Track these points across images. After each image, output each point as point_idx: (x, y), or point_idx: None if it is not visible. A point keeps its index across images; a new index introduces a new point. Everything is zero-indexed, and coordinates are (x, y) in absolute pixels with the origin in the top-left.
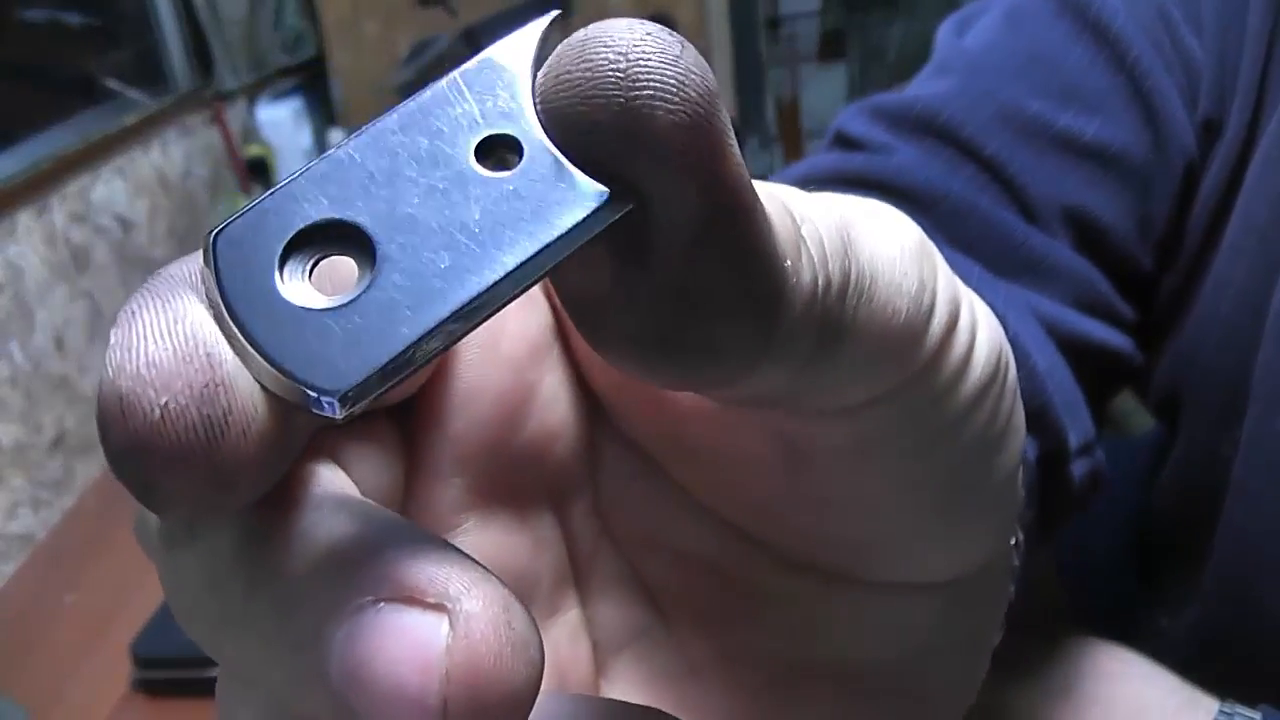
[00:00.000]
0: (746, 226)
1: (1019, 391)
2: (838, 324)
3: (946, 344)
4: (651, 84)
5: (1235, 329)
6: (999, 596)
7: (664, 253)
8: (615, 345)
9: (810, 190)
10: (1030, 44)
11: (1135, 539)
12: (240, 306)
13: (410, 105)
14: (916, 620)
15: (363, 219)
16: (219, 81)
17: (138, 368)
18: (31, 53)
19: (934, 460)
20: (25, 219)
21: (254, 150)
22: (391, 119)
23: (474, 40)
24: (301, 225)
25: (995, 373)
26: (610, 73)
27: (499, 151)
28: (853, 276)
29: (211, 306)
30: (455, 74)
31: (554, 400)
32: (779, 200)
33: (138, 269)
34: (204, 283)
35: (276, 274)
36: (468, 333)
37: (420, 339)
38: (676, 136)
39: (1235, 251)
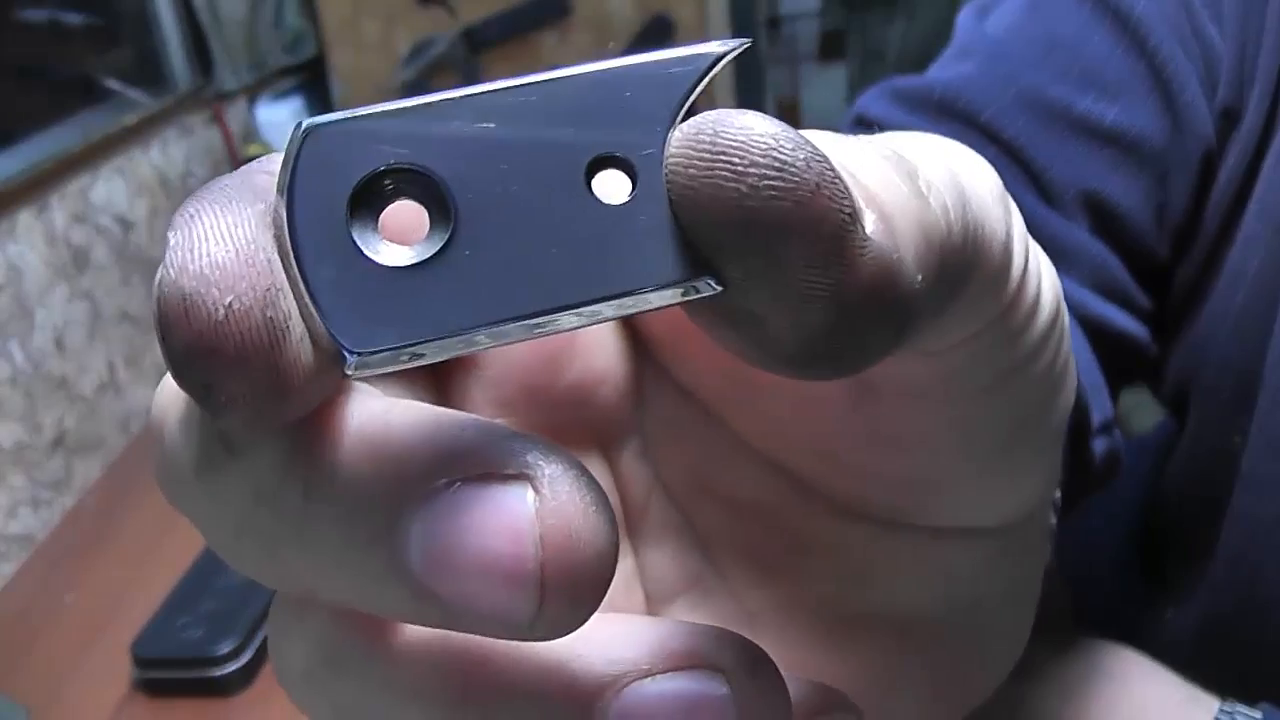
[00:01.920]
0: (876, 311)
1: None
2: (955, 274)
3: (1023, 283)
4: (786, 214)
5: (1248, 319)
6: (1040, 551)
7: (777, 337)
8: (749, 361)
9: None
10: (1051, 29)
11: (1138, 535)
12: (302, 220)
13: (555, 81)
14: (965, 568)
15: (456, 184)
16: (219, 81)
17: (201, 268)
18: (31, 53)
19: (1002, 399)
20: (25, 219)
21: (254, 150)
22: (529, 88)
23: (474, 40)
24: (394, 161)
25: (1057, 313)
26: (749, 185)
27: (615, 168)
28: (971, 226)
29: (275, 209)
30: (617, 67)
31: (598, 343)
32: (906, 167)
33: (138, 269)
34: (280, 174)
35: (348, 203)
36: (501, 346)
37: (452, 336)
38: (803, 267)
39: (1250, 242)
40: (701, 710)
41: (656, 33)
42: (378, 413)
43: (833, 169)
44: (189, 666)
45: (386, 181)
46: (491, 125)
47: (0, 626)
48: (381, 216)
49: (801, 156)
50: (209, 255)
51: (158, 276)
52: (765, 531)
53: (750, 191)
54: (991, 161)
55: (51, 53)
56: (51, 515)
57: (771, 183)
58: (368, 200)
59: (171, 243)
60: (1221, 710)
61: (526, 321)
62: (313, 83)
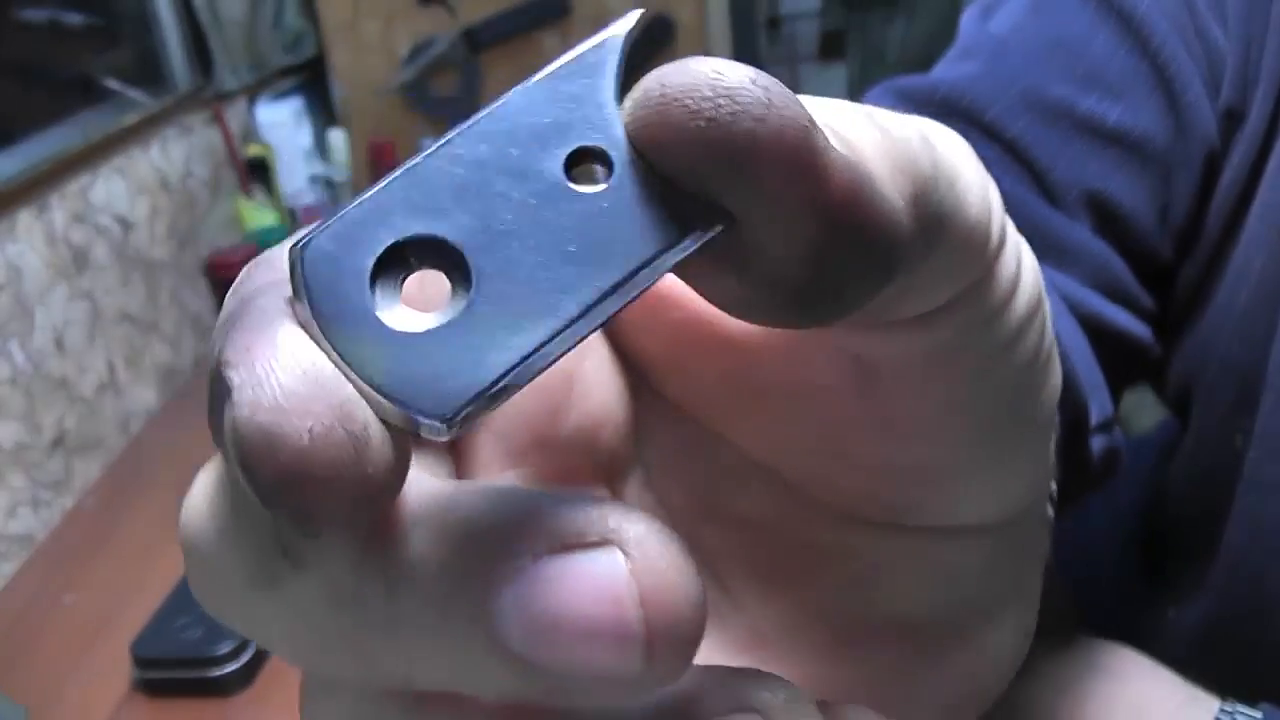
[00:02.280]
0: (861, 226)
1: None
2: (937, 213)
3: (1002, 252)
4: (749, 132)
5: (1252, 320)
6: (1039, 547)
7: (781, 266)
8: (742, 315)
9: None
10: (1055, 29)
11: (1139, 535)
12: (336, 331)
13: (496, 111)
14: (966, 568)
15: (456, 235)
16: (219, 81)
17: (276, 400)
18: (31, 53)
19: (990, 382)
20: (25, 219)
21: (254, 150)
22: (477, 127)
23: (474, 40)
24: (391, 241)
25: (1038, 299)
26: (706, 118)
27: (587, 161)
28: (941, 167)
29: (305, 329)
30: (542, 77)
31: (597, 384)
32: (863, 110)
33: (138, 269)
34: (294, 302)
35: (369, 293)
36: (567, 352)
37: (523, 361)
38: (780, 179)
39: (1254, 243)
40: None
41: (657, 32)
42: (445, 497)
43: (779, 85)
44: (189, 666)
45: (393, 259)
46: (460, 171)
47: (0, 626)
48: (404, 289)
49: (747, 78)
50: (279, 386)
51: (230, 419)
52: (770, 547)
53: (709, 124)
54: (994, 161)
55: (51, 53)
56: (51, 515)
57: (725, 110)
58: (384, 282)
59: (236, 381)
60: (1222, 710)
61: (575, 325)
62: (313, 83)
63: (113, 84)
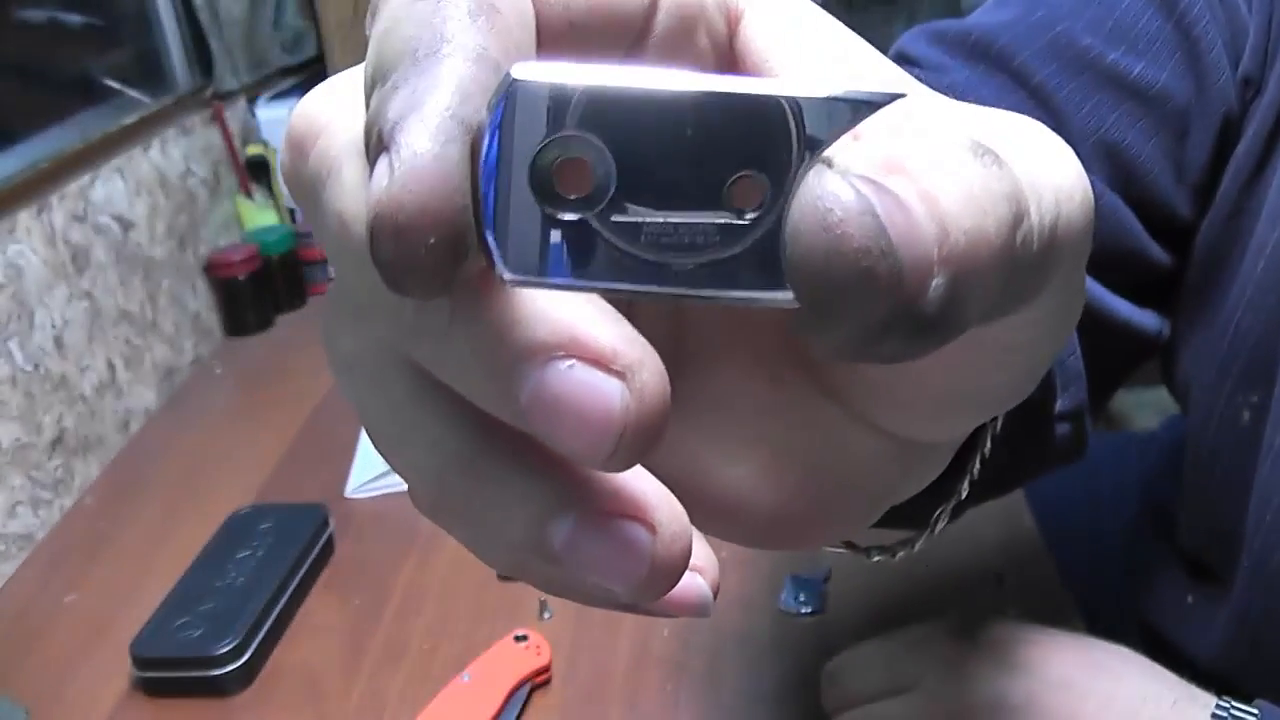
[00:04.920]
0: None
1: None
2: (1033, 293)
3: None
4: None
5: (1265, 290)
6: (924, 481)
7: (842, 351)
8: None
9: None
10: None
11: (1138, 532)
12: (505, 154)
13: (719, 96)
14: (864, 458)
15: (622, 160)
16: (219, 81)
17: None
18: (31, 53)
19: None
20: (25, 219)
21: (254, 150)
22: (703, 97)
23: None
24: (573, 131)
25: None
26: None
27: (752, 179)
28: (1058, 247)
29: (477, 137)
30: (795, 96)
31: None
32: (1014, 208)
33: (137, 269)
34: (490, 114)
35: (536, 153)
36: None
37: (582, 286)
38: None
39: (1272, 218)
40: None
41: None
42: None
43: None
44: (189, 666)
45: (565, 142)
46: (667, 120)
47: (0, 626)
48: (553, 169)
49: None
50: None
51: (384, 170)
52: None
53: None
54: (1019, 107)
55: (51, 53)
56: (51, 515)
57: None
58: (548, 153)
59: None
60: (1218, 706)
61: (637, 295)
62: (313, 83)
63: (113, 84)
